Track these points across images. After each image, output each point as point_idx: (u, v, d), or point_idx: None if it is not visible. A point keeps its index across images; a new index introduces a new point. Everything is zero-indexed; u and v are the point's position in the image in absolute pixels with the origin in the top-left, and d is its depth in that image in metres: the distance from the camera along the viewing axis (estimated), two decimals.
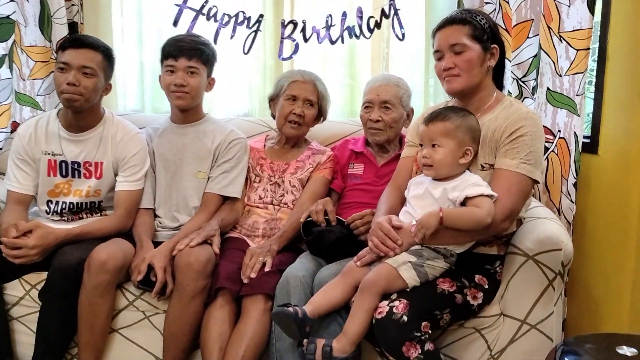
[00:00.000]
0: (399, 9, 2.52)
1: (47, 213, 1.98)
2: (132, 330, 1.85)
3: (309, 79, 2.14)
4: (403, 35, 2.54)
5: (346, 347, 1.49)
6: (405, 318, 1.45)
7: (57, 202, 1.98)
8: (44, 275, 1.80)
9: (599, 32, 1.95)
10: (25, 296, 1.83)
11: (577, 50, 1.90)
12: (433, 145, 1.57)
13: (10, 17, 2.34)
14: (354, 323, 1.51)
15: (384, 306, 1.49)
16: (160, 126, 2.15)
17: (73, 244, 1.81)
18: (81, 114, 1.93)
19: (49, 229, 1.79)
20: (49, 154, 1.96)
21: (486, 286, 1.66)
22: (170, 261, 1.79)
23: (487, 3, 2.32)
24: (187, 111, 2.08)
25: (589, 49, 1.88)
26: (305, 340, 1.51)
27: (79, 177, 1.97)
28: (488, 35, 1.68)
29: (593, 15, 1.86)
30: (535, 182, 1.63)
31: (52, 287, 1.74)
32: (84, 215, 2.01)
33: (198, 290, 1.73)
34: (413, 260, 1.54)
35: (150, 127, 2.17)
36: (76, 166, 1.96)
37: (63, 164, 1.96)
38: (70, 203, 1.98)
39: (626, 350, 1.31)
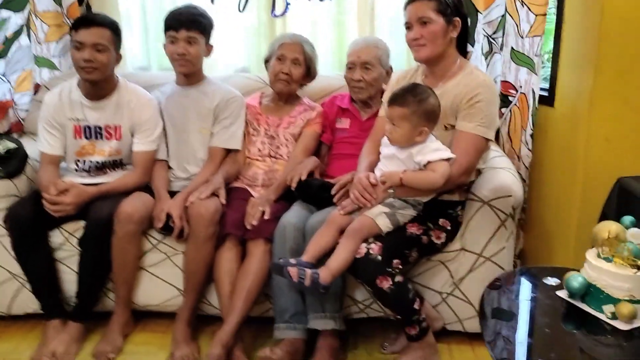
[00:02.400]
0: None
1: (76, 170, 2.29)
2: (157, 268, 2.20)
3: (297, 41, 2.37)
4: None
5: (327, 278, 1.80)
6: (379, 257, 1.79)
7: (84, 161, 2.28)
8: (79, 224, 2.15)
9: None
10: (65, 242, 2.18)
11: (536, 15, 2.11)
12: (393, 124, 1.84)
13: None
14: (336, 260, 1.84)
15: (363, 248, 1.82)
16: (167, 89, 2.41)
17: (102, 199, 2.14)
18: (98, 84, 2.19)
19: (82, 188, 2.11)
20: (74, 119, 2.24)
21: (449, 227, 1.99)
22: (185, 209, 2.13)
23: None
24: (189, 75, 2.33)
25: (545, 14, 2.10)
26: (293, 268, 1.78)
27: (102, 139, 2.26)
28: (451, 9, 1.90)
29: None
30: (489, 140, 1.92)
31: (90, 237, 2.09)
32: (107, 171, 2.31)
33: (209, 236, 2.07)
34: (387, 211, 1.86)
35: (158, 90, 2.42)
36: (98, 129, 2.25)
37: (87, 128, 2.25)
38: (96, 161, 2.28)
39: (550, 281, 1.65)
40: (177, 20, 2.24)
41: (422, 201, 1.91)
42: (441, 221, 1.98)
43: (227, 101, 2.34)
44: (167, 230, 2.12)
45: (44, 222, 2.12)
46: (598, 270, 1.45)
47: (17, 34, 2.55)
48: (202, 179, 2.24)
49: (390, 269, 1.80)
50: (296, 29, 2.78)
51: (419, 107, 1.80)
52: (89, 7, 2.79)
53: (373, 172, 1.98)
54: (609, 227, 1.49)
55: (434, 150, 1.81)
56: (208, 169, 2.30)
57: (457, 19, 1.92)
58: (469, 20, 2.05)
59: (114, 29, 2.18)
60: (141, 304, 2.24)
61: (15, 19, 2.53)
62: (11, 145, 2.23)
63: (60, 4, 2.68)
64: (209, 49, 2.34)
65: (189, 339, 2.11)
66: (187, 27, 2.23)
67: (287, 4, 2.75)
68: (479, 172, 2.04)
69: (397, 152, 1.86)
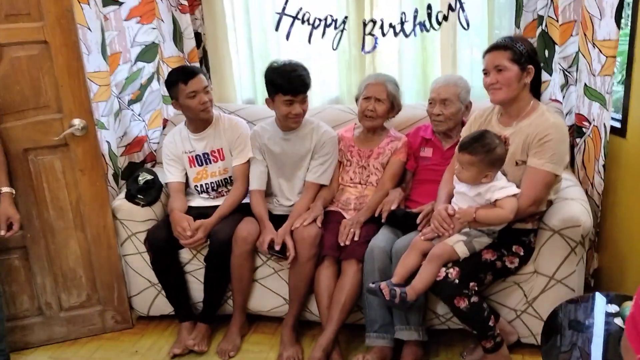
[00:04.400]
0: (463, 2, 2.91)
1: (199, 193, 2.76)
2: (267, 280, 2.60)
3: (380, 81, 2.64)
4: (468, 24, 2.94)
5: (413, 296, 2.12)
6: (457, 281, 2.07)
7: (201, 185, 2.73)
8: (204, 243, 2.58)
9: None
10: (193, 258, 2.64)
11: (607, 57, 2.27)
12: (462, 167, 2.09)
13: (154, 42, 3.03)
14: (420, 281, 2.14)
15: (442, 272, 2.11)
16: (269, 128, 2.70)
17: (222, 222, 2.58)
18: (203, 119, 2.65)
19: (207, 222, 2.56)
20: (186, 152, 2.70)
21: (522, 253, 2.22)
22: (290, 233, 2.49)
23: None
24: None
25: (615, 56, 2.25)
26: (386, 287, 2.12)
27: (210, 163, 2.71)
28: (525, 58, 2.13)
29: (619, 28, 2.21)
30: (557, 176, 2.12)
31: (213, 255, 2.53)
32: (223, 192, 2.75)
33: (310, 256, 2.44)
34: (464, 239, 2.13)
35: (261, 125, 2.74)
36: (206, 156, 2.70)
37: (197, 157, 2.70)
38: (211, 182, 2.73)
39: (610, 308, 1.85)
40: (293, 86, 2.47)
41: (496, 230, 2.16)
42: (515, 247, 2.21)
43: (323, 143, 2.63)
44: (272, 250, 2.47)
45: (176, 242, 2.58)
46: None
47: (149, 80, 3.05)
48: (302, 208, 2.58)
49: (466, 291, 2.08)
50: (384, 63, 3.09)
51: (485, 156, 2.03)
52: (205, 50, 3.24)
53: (450, 202, 2.26)
54: None
55: (500, 188, 2.05)
56: (305, 199, 2.63)
57: (531, 66, 2.14)
58: (546, 52, 2.23)
59: (205, 75, 2.65)
60: (254, 310, 2.66)
61: (148, 68, 3.03)
62: (149, 177, 2.71)
63: (182, 50, 3.14)
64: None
65: (294, 341, 2.50)
66: (303, 91, 2.51)
67: (376, 41, 3.04)
68: (550, 203, 2.24)
69: (467, 191, 2.12)
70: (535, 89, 2.23)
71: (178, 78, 2.60)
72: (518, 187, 2.09)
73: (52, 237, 2.56)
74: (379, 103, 2.63)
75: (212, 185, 2.74)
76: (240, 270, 2.54)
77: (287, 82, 2.48)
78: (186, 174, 2.77)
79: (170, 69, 3.11)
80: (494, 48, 2.17)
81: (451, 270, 2.09)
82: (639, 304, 0.69)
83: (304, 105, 2.56)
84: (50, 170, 2.49)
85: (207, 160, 2.72)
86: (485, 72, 2.20)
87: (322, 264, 2.46)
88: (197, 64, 3.17)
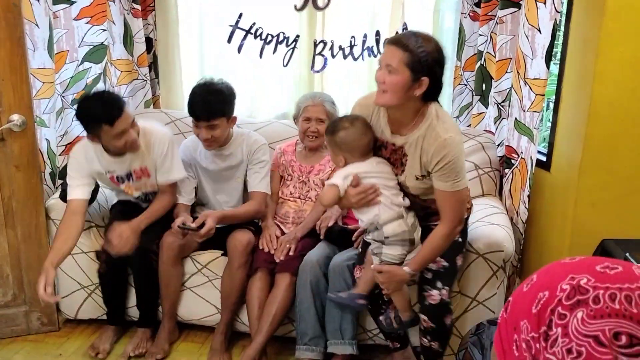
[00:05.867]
0: None
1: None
2: (200, 288, 2.61)
3: (319, 102, 2.67)
4: None
5: (406, 315, 2.15)
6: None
7: (131, 197, 2.63)
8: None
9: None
10: None
11: (536, 94, 2.43)
12: None
13: (103, 43, 3.01)
14: (400, 302, 2.14)
15: (436, 295, 2.10)
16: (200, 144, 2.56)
17: (149, 229, 2.48)
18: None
19: (136, 228, 2.41)
20: (106, 172, 2.50)
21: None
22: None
23: (480, 35, 2.83)
24: None
25: (544, 95, 2.41)
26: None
27: (134, 181, 2.54)
28: (422, 68, 1.78)
29: (549, 69, 2.37)
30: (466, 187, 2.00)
31: (136, 260, 2.47)
32: (151, 197, 2.62)
33: (242, 263, 2.46)
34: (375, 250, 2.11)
35: (192, 138, 2.65)
36: (129, 175, 2.54)
37: (118, 177, 2.52)
38: (139, 195, 2.61)
39: None
40: (194, 113, 2.40)
41: (387, 235, 2.02)
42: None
43: (253, 152, 2.60)
44: (184, 226, 2.39)
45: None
46: None
47: (95, 80, 3.02)
48: (246, 212, 2.59)
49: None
50: (332, 84, 3.18)
51: (331, 138, 2.04)
52: (155, 56, 3.24)
53: None
54: None
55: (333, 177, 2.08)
56: (252, 206, 2.60)
57: (426, 78, 1.81)
58: (483, 85, 2.33)
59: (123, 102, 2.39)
60: (185, 318, 2.65)
61: (95, 69, 3.01)
62: None
63: (131, 54, 3.13)
64: (232, 120, 2.51)
65: (223, 350, 2.51)
66: (206, 119, 2.38)
67: (325, 61, 3.13)
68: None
69: None
70: (433, 94, 1.91)
71: (101, 119, 2.26)
72: (423, 197, 2.03)
73: None
74: (320, 123, 2.66)
75: (142, 196, 2.63)
76: (167, 277, 2.53)
77: (189, 105, 2.42)
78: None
79: (118, 72, 3.10)
80: (394, 42, 1.83)
81: (443, 291, 2.11)
82: (504, 316, 0.76)
83: (214, 131, 2.42)
84: None
85: (131, 178, 2.54)
86: (380, 64, 1.88)
87: (255, 275, 2.49)
88: (147, 69, 3.17)
